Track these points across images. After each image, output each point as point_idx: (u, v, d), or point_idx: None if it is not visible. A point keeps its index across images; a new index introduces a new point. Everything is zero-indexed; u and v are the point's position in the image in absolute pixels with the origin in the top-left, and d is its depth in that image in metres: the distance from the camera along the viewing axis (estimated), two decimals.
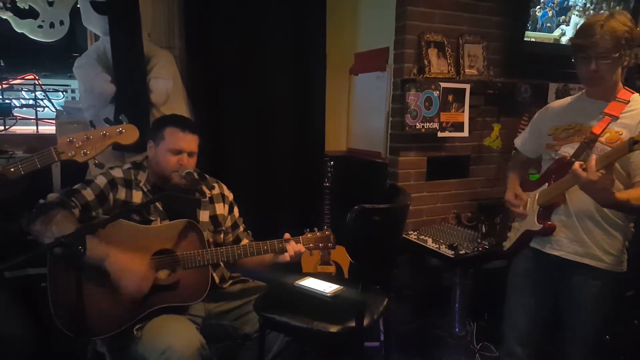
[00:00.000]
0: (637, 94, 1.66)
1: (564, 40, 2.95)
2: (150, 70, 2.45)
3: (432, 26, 2.72)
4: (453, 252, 2.40)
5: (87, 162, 1.52)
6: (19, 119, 2.87)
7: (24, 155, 2.08)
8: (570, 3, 2.89)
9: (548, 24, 2.86)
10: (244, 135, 2.71)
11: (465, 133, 2.84)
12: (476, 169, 3.02)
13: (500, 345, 2.00)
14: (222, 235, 1.96)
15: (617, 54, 1.55)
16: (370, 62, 3.01)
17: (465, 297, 2.72)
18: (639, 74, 2.75)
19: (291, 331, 1.71)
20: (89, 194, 1.71)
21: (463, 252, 2.41)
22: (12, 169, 1.39)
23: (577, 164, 1.52)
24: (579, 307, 1.72)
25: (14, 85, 3.10)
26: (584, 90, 1.78)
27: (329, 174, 2.63)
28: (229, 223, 2.00)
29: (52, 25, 3.01)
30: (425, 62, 2.69)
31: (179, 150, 1.77)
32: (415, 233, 2.70)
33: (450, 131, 2.79)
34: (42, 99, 2.98)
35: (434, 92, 2.67)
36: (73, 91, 3.20)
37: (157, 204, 1.80)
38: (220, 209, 1.96)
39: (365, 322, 1.64)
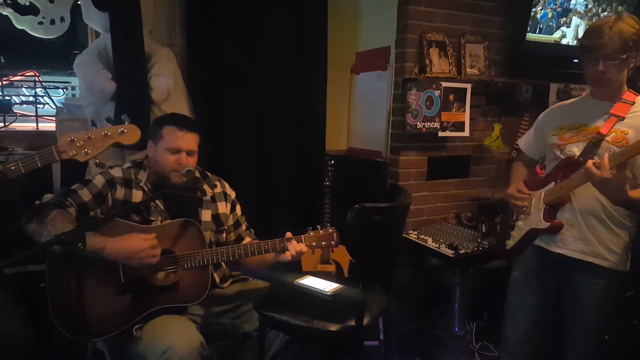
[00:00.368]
0: None
1: (565, 41, 2.95)
2: (151, 68, 2.45)
3: (433, 25, 2.72)
4: (453, 251, 2.39)
5: (87, 162, 1.51)
6: (19, 115, 2.86)
7: (24, 154, 2.07)
8: (571, 5, 2.89)
9: (549, 24, 2.86)
10: (244, 134, 2.71)
11: (466, 133, 2.84)
12: (477, 168, 3.02)
13: (500, 344, 2.00)
14: (224, 235, 1.95)
15: (624, 55, 1.57)
16: (371, 61, 3.01)
17: (465, 297, 2.72)
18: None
19: (291, 330, 1.70)
20: (85, 194, 1.69)
21: (463, 251, 2.41)
22: (12, 168, 1.39)
23: (590, 162, 1.53)
24: (582, 306, 1.72)
25: (14, 82, 3.09)
26: (588, 92, 1.79)
27: (330, 173, 2.63)
28: (231, 222, 1.99)
29: (52, 21, 3.00)
30: (427, 61, 2.68)
31: (178, 149, 1.75)
32: (416, 232, 2.70)
33: (451, 131, 2.79)
34: (42, 96, 2.98)
35: (435, 92, 2.67)
36: (73, 88, 3.19)
37: (158, 203, 1.79)
38: (223, 207, 1.95)
39: (365, 321, 1.64)
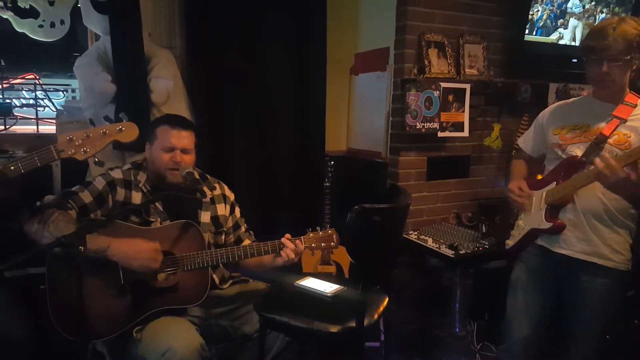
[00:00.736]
0: None
1: (562, 43, 2.95)
2: (151, 70, 2.45)
3: (432, 26, 2.72)
4: (453, 252, 2.39)
5: (87, 161, 1.52)
6: (20, 118, 2.86)
7: (24, 154, 2.08)
8: (568, 7, 2.89)
9: (546, 25, 2.85)
10: (244, 135, 2.71)
11: (466, 133, 2.84)
12: (476, 169, 3.02)
13: (500, 344, 1.99)
14: (223, 236, 1.95)
15: (628, 57, 1.57)
16: (370, 62, 3.01)
17: (466, 297, 2.72)
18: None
19: (291, 331, 1.70)
20: (86, 196, 1.70)
21: (463, 252, 2.41)
22: (12, 167, 1.39)
23: (601, 165, 1.50)
24: (586, 306, 1.71)
25: (15, 85, 3.09)
26: (590, 92, 1.78)
27: (329, 174, 2.63)
28: (230, 224, 1.99)
29: (52, 24, 3.00)
30: (426, 62, 2.69)
31: (171, 148, 1.76)
32: (416, 233, 2.70)
33: (450, 131, 2.79)
34: (42, 99, 2.98)
35: (434, 92, 2.67)
36: (73, 91, 3.19)
37: (157, 204, 1.79)
38: (222, 209, 1.96)
39: (366, 322, 1.63)
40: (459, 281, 2.72)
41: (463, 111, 2.80)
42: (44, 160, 1.42)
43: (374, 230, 1.65)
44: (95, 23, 2.42)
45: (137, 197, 1.79)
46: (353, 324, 1.61)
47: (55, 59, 3.23)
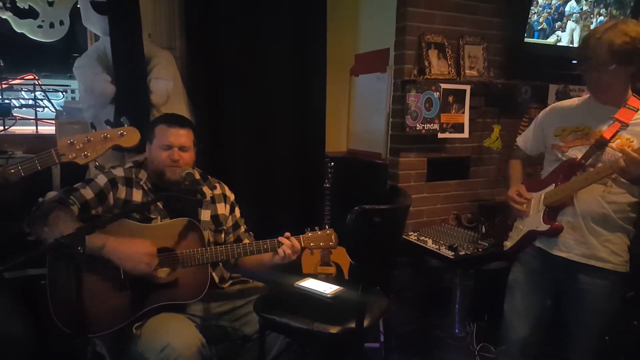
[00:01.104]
0: None
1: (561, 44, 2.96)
2: (151, 71, 2.45)
3: (432, 27, 2.72)
4: (453, 253, 2.39)
5: (87, 164, 1.51)
6: (19, 119, 2.85)
7: (24, 157, 2.07)
8: (566, 10, 2.89)
9: (542, 28, 2.85)
10: (244, 135, 2.71)
11: (466, 134, 2.84)
12: (476, 170, 3.02)
13: (498, 347, 1.99)
14: (222, 235, 1.96)
15: (612, 66, 1.55)
16: (370, 63, 3.01)
17: (466, 298, 2.72)
18: None
19: (291, 332, 1.70)
20: (88, 192, 1.72)
21: (463, 253, 2.41)
22: (12, 171, 1.39)
23: (621, 161, 1.48)
24: (585, 308, 1.71)
25: (14, 85, 3.08)
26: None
27: (329, 175, 2.63)
28: (230, 223, 2.00)
29: (52, 25, 3.00)
30: (426, 63, 2.69)
31: (169, 145, 1.78)
32: (416, 234, 2.70)
33: (450, 132, 2.79)
34: (41, 99, 2.97)
35: (434, 93, 2.67)
36: (73, 91, 3.19)
37: (158, 203, 1.80)
38: (222, 209, 1.97)
39: (366, 323, 1.63)
40: (459, 282, 2.72)
41: (463, 112, 2.80)
42: (45, 163, 1.42)
43: (374, 231, 1.65)
44: (95, 24, 2.42)
45: (137, 195, 1.80)
46: (353, 325, 1.61)
47: (54, 59, 3.22)
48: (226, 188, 2.03)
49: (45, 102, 3.02)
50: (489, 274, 2.57)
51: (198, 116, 2.56)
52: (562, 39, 2.93)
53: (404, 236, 2.62)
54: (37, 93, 2.92)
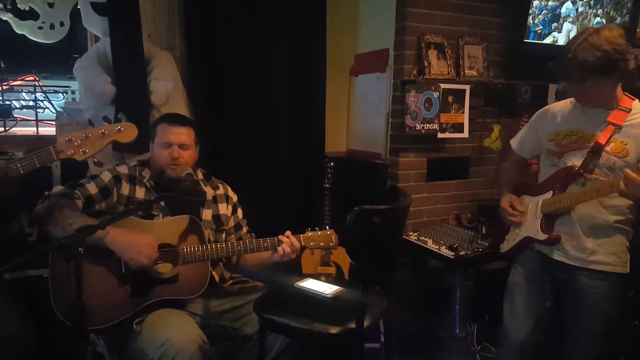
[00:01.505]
0: (638, 101, 1.65)
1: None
2: (151, 72, 2.46)
3: (432, 27, 2.73)
4: (453, 253, 2.39)
5: (86, 162, 1.52)
6: (19, 120, 2.86)
7: (23, 155, 2.08)
8: (562, 11, 2.88)
9: (538, 29, 2.84)
10: (244, 135, 2.71)
11: (465, 134, 2.84)
12: (476, 170, 3.02)
13: (498, 348, 1.99)
14: (224, 235, 1.97)
15: (591, 82, 1.54)
16: (370, 63, 3.02)
17: (466, 298, 2.72)
18: None
19: (291, 332, 1.70)
20: (92, 187, 1.75)
21: (463, 253, 2.41)
22: (12, 167, 1.39)
23: (621, 184, 1.47)
24: (584, 309, 1.71)
25: (14, 87, 3.09)
26: None
27: (329, 175, 2.63)
28: (231, 224, 2.01)
29: (52, 26, 3.00)
30: (425, 63, 2.69)
31: (169, 143, 1.81)
32: (416, 234, 2.70)
33: (450, 132, 2.79)
34: (42, 100, 2.98)
35: (434, 93, 2.67)
36: (73, 92, 3.19)
37: None
38: (224, 209, 1.98)
39: (366, 323, 1.64)
40: (459, 282, 2.72)
41: (463, 112, 2.80)
42: (43, 161, 1.43)
43: (373, 232, 1.65)
44: (95, 25, 2.42)
45: (140, 192, 1.83)
46: (353, 325, 1.61)
47: (54, 60, 3.23)
48: (229, 189, 2.05)
49: (46, 103, 3.02)
50: (489, 274, 2.57)
51: (198, 116, 2.56)
52: (558, 40, 2.92)
53: (404, 236, 2.62)
54: (37, 94, 2.92)
